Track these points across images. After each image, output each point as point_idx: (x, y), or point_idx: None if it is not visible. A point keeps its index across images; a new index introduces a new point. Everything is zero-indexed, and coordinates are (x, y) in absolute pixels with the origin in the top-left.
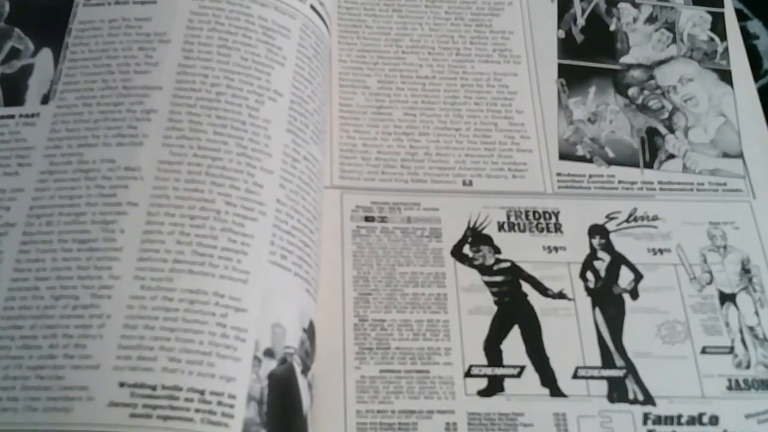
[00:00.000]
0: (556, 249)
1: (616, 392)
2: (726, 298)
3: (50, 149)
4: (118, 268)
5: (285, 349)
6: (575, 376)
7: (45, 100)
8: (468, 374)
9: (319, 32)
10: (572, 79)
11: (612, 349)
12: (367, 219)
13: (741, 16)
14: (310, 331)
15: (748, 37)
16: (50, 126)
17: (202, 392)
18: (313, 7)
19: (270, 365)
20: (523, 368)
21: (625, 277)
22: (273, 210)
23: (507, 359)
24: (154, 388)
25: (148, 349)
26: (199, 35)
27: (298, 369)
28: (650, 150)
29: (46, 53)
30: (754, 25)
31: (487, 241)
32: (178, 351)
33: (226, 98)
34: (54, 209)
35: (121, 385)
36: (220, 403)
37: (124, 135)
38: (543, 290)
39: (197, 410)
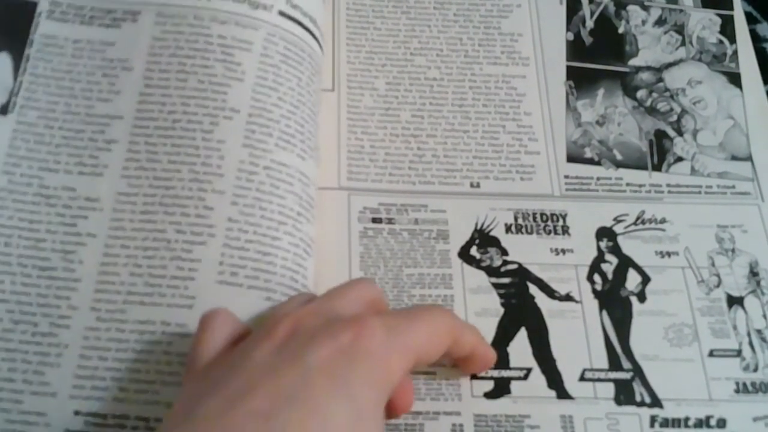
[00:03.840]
0: (563, 251)
1: (623, 395)
2: (734, 302)
3: (9, 166)
4: (76, 299)
5: None
6: (582, 379)
7: (3, 110)
8: (474, 376)
9: (291, 36)
10: (581, 81)
11: (619, 352)
12: (375, 220)
13: (751, 19)
14: None
15: (757, 40)
16: (9, 141)
17: (146, 420)
18: (282, 13)
19: None
20: (529, 370)
21: (633, 280)
22: (223, 230)
23: (513, 361)
24: (105, 417)
25: (101, 379)
26: (159, 62)
27: None
28: (658, 152)
29: (4, 58)
30: (764, 29)
31: (495, 242)
32: (127, 381)
33: (181, 125)
34: (13, 230)
35: (76, 413)
36: None
37: (86, 164)
38: (550, 292)
39: None
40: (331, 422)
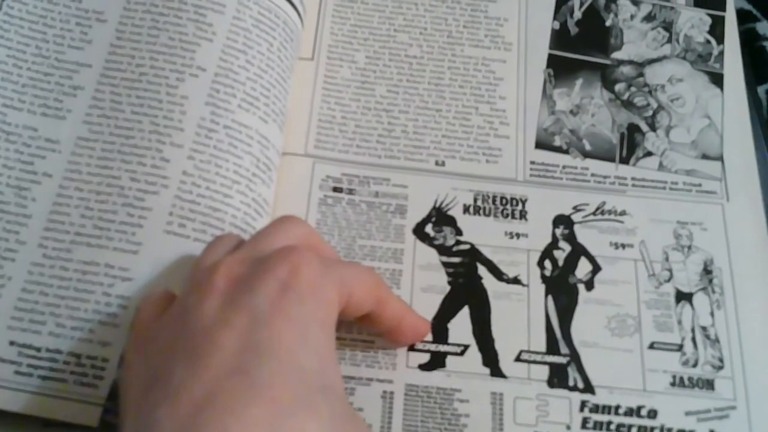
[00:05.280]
0: (518, 235)
1: (557, 378)
2: (683, 297)
3: None
4: (25, 234)
5: None
6: (518, 359)
7: None
8: (412, 348)
9: (265, 2)
10: (561, 70)
11: (558, 336)
12: (336, 189)
13: (750, 18)
14: None
15: (757, 38)
16: None
17: (78, 356)
18: None
19: None
20: (467, 347)
21: (583, 268)
22: (177, 182)
23: (452, 337)
24: (39, 349)
25: (40, 313)
26: (133, 17)
27: None
28: (628, 146)
29: None
30: (764, 27)
31: (451, 222)
32: (65, 318)
33: (147, 78)
34: None
35: (11, 343)
36: (93, 366)
37: (50, 107)
38: (498, 274)
39: (72, 372)
40: (305, 371)
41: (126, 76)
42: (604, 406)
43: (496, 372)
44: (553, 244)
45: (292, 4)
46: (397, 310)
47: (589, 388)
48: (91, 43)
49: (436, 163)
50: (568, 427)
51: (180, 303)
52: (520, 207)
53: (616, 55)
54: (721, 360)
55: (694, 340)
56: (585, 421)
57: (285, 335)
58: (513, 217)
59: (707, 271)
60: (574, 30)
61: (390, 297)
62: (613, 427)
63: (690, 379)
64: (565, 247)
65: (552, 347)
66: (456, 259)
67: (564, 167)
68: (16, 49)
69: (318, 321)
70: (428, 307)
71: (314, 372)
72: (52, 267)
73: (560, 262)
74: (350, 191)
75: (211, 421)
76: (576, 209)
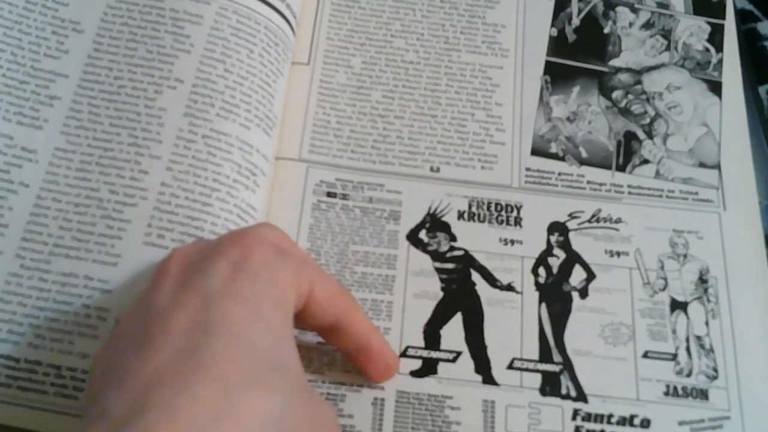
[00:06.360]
0: (512, 242)
1: (549, 386)
2: (677, 306)
3: None
4: (2, 244)
5: None
6: (510, 367)
7: None
8: (404, 354)
9: (244, 9)
10: (558, 76)
11: (551, 345)
12: (329, 195)
13: (751, 18)
14: None
15: (758, 38)
16: None
17: (58, 368)
18: None
19: None
20: (459, 354)
21: (577, 276)
22: (155, 193)
23: (444, 344)
24: (18, 360)
25: (18, 324)
26: (111, 29)
27: None
28: (625, 153)
29: None
30: (765, 27)
31: (445, 228)
32: (44, 329)
33: (126, 91)
34: None
35: None
36: (73, 378)
37: (26, 115)
38: (492, 281)
39: (52, 384)
40: (257, 349)
41: (104, 88)
42: (596, 415)
43: (488, 379)
44: (548, 251)
45: (276, 9)
46: (366, 324)
47: (581, 396)
48: (68, 53)
49: (431, 169)
50: None
51: (139, 296)
52: (515, 213)
53: (614, 62)
54: (715, 370)
55: (688, 349)
56: (577, 429)
57: (236, 314)
58: (508, 223)
59: (703, 280)
60: (572, 37)
61: (358, 309)
62: None
63: (684, 388)
64: (560, 254)
65: (545, 355)
66: (449, 265)
67: (560, 174)
68: None
69: (271, 300)
70: (421, 313)
71: (266, 350)
72: (31, 278)
73: (554, 270)
74: (344, 196)
75: (158, 401)
76: (571, 216)
